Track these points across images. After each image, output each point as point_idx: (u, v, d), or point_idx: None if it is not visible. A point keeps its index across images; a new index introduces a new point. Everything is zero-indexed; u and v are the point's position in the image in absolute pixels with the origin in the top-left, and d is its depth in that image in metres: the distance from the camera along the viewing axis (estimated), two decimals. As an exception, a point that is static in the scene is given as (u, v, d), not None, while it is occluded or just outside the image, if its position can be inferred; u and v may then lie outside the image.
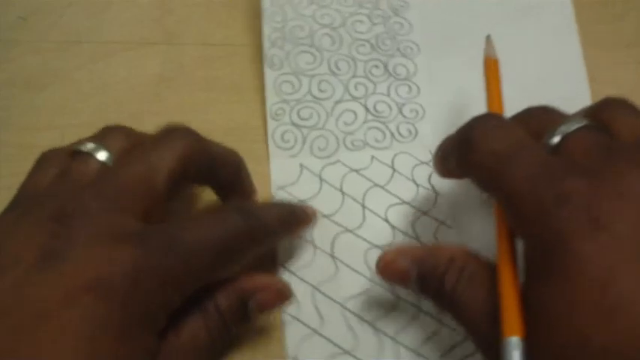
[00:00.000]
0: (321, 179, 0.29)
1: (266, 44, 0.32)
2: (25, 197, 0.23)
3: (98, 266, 0.20)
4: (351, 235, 0.28)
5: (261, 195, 0.29)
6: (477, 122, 0.23)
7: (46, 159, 0.24)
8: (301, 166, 0.30)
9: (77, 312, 0.19)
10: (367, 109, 0.31)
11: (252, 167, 0.28)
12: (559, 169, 0.20)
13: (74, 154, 0.23)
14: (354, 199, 0.29)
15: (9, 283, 0.19)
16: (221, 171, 0.26)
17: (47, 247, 0.20)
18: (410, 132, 0.30)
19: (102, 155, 0.23)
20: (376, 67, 0.32)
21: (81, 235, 0.20)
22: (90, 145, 0.23)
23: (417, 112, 0.31)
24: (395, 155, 0.30)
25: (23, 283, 0.19)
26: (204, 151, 0.24)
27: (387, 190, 0.29)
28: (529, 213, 0.20)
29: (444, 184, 0.29)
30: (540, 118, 0.23)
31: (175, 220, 0.22)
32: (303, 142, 0.30)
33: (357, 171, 0.29)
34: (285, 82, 0.31)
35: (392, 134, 0.30)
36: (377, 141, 0.30)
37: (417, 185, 0.29)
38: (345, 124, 0.30)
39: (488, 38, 0.27)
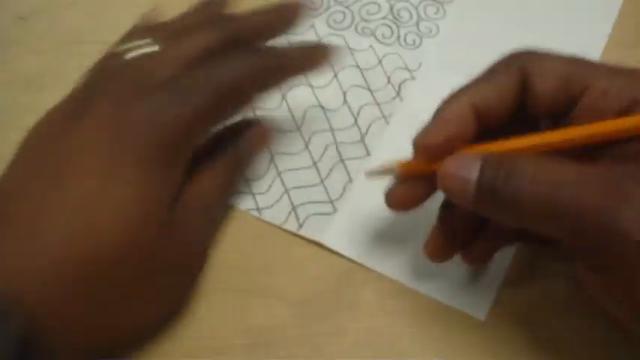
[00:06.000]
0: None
1: None
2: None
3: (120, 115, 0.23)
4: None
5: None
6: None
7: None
8: (312, 26, 0.34)
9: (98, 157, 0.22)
10: (392, 10, 0.35)
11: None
12: None
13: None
14: (335, 72, 0.33)
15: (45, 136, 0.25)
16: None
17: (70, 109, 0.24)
18: (414, 42, 0.34)
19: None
20: None
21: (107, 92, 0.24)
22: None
23: (430, 30, 0.34)
24: (386, 54, 0.33)
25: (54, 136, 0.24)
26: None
27: (363, 75, 0.33)
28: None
29: (409, 93, 0.32)
30: None
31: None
32: (325, 10, 0.35)
33: (352, 50, 0.33)
34: None
35: (398, 37, 0.34)
36: (383, 37, 0.34)
37: (389, 83, 0.32)
38: (368, 12, 0.35)
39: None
